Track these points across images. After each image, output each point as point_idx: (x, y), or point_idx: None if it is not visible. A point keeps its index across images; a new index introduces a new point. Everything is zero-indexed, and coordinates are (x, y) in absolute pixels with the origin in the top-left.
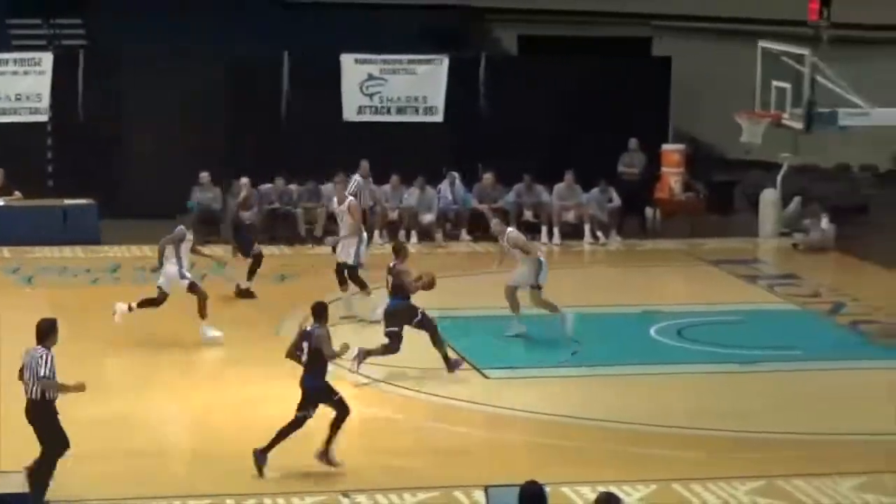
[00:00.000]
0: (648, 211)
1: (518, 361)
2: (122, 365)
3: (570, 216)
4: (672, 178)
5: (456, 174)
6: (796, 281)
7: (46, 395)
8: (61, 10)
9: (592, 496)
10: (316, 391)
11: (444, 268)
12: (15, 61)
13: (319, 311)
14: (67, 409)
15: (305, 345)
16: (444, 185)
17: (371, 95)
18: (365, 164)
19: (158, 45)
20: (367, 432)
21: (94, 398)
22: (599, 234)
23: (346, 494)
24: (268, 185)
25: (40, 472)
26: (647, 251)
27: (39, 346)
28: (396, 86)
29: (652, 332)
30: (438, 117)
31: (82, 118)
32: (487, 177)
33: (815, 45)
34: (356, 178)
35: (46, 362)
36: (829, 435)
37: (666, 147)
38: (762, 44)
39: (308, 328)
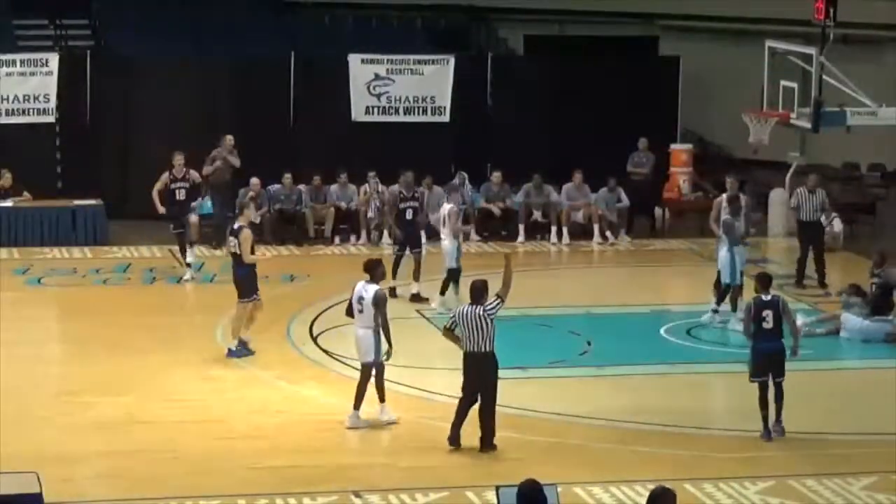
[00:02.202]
0: (657, 211)
1: (527, 362)
2: (129, 365)
3: (579, 216)
4: (680, 177)
5: (465, 174)
6: (805, 281)
7: (493, 348)
8: (67, 10)
9: (605, 496)
10: None
11: None
12: (21, 62)
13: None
14: (72, 410)
15: None
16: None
17: (378, 96)
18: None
19: (165, 45)
20: (378, 432)
21: (101, 398)
22: (608, 233)
23: (357, 494)
24: (277, 186)
25: (490, 424)
26: (656, 251)
27: (478, 306)
28: (403, 86)
29: (662, 331)
30: (445, 117)
31: (90, 119)
32: (496, 176)
33: (822, 45)
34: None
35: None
36: (841, 434)
37: (674, 147)
38: (769, 43)
39: None
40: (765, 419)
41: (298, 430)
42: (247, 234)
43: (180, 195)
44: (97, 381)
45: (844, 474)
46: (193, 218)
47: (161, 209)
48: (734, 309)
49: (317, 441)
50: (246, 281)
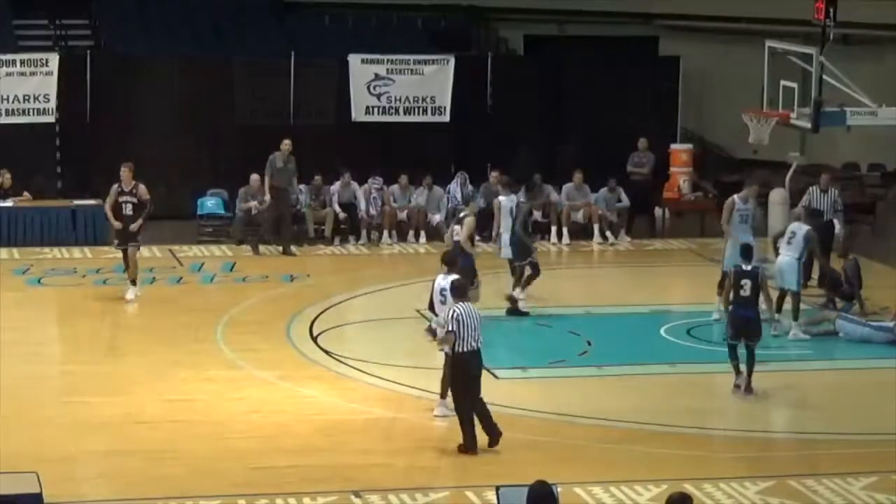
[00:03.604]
0: (657, 211)
1: (527, 362)
2: (129, 365)
3: (579, 216)
4: (680, 177)
5: (466, 174)
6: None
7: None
8: (68, 10)
9: (605, 496)
10: None
11: None
12: (21, 62)
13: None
14: (72, 410)
15: None
16: (454, 185)
17: (379, 95)
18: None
19: (165, 45)
20: (377, 432)
21: (101, 398)
22: (608, 233)
23: (357, 494)
24: None
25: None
26: (656, 251)
27: (468, 303)
28: (403, 86)
29: (662, 331)
30: (446, 117)
31: (90, 119)
32: (494, 176)
33: (822, 45)
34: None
35: None
36: (840, 434)
37: (674, 147)
38: (769, 43)
39: None
40: (735, 367)
41: (298, 430)
42: (470, 220)
43: (127, 210)
44: (97, 381)
45: (844, 474)
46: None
47: (116, 224)
48: (796, 318)
49: (317, 441)
50: (466, 271)
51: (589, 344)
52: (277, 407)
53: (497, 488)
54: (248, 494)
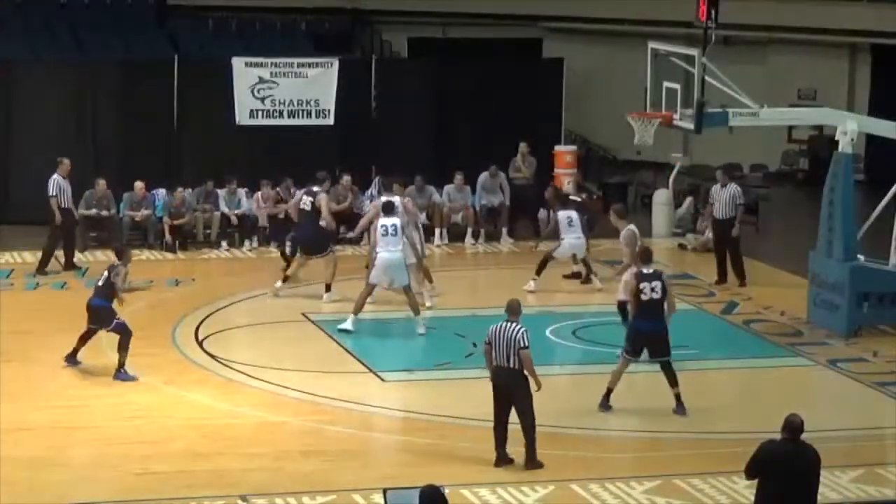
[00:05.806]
0: (542, 213)
1: (413, 364)
2: (12, 372)
3: (459, 218)
4: (565, 179)
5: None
6: (690, 280)
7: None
8: None
9: (491, 497)
10: None
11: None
12: None
13: None
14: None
15: None
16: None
17: (262, 99)
18: None
19: (46, 47)
20: (263, 436)
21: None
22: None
23: (244, 498)
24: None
25: (532, 435)
26: (539, 253)
27: (514, 322)
28: (288, 89)
29: (547, 332)
30: (330, 120)
31: None
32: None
33: (704, 46)
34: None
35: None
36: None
37: (558, 148)
38: (652, 45)
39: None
40: None
41: (184, 434)
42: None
43: None
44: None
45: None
46: None
47: None
48: None
49: (202, 446)
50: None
51: (475, 346)
52: (163, 412)
53: (384, 491)
54: (134, 500)
